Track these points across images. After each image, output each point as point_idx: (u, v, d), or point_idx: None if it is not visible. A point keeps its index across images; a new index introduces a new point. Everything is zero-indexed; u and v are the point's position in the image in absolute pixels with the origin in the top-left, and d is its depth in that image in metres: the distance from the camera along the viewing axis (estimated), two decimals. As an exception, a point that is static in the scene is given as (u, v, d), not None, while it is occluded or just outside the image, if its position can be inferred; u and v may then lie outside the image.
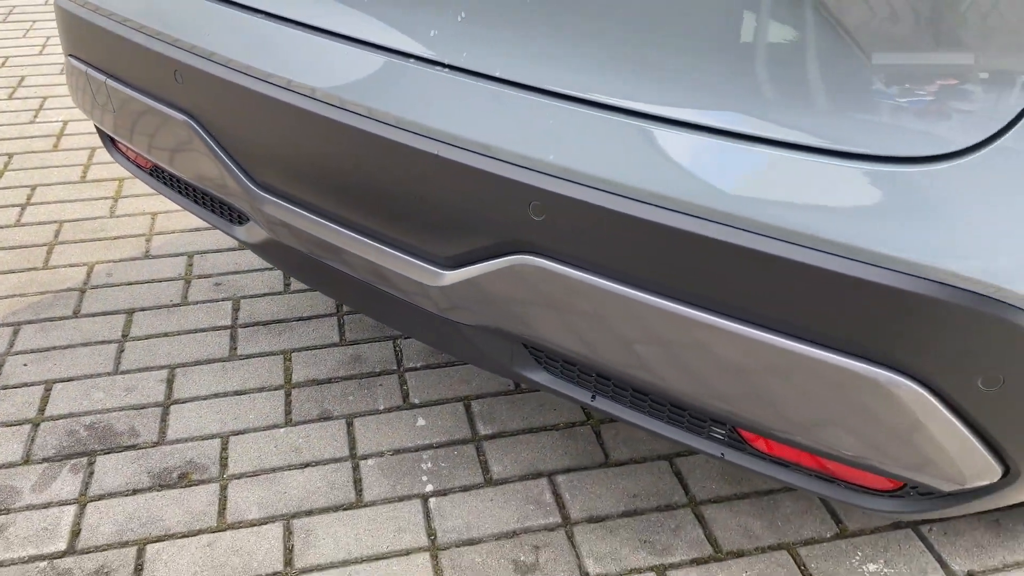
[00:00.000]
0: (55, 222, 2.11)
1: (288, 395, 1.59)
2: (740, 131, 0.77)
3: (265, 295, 1.86)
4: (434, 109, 0.91)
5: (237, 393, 1.60)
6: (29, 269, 1.93)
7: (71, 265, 1.95)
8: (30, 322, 1.77)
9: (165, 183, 1.44)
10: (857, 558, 1.31)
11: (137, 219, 2.12)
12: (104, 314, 1.80)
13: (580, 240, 0.84)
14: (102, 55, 1.27)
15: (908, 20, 0.69)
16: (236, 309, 1.82)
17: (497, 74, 0.88)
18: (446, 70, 0.91)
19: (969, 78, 0.69)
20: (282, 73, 1.02)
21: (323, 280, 1.23)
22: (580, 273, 0.85)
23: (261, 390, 1.60)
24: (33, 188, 2.25)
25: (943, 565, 1.30)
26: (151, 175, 1.46)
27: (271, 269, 1.94)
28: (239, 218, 1.30)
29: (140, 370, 1.65)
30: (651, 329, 0.84)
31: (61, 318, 1.78)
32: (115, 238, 2.05)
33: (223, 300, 1.84)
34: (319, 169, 1.03)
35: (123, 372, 1.64)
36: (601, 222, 0.82)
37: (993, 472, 0.79)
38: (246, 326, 1.77)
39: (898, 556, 1.31)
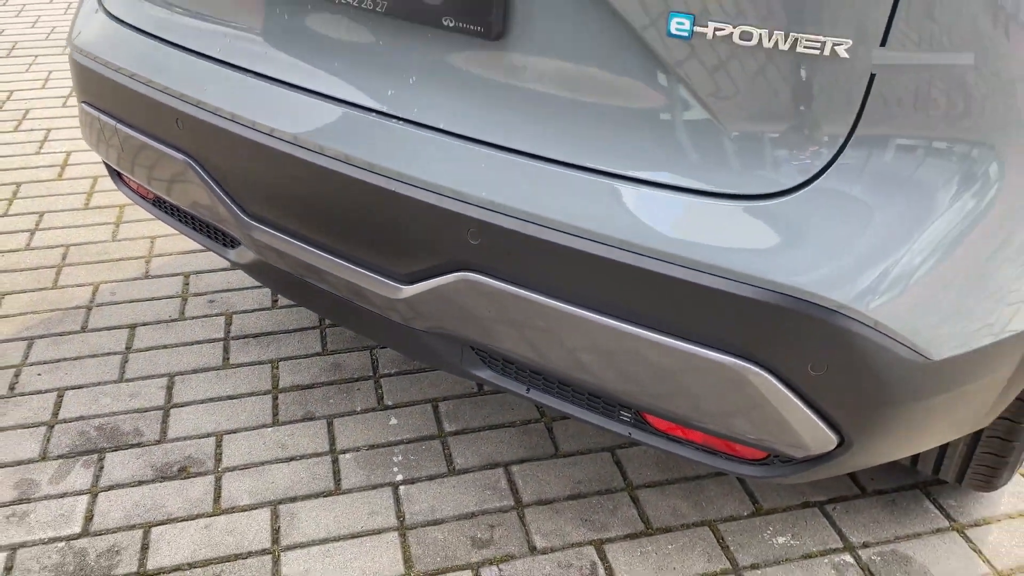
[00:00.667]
0: (62, 246, 2.30)
1: (275, 399, 1.79)
2: (633, 175, 0.98)
3: (254, 311, 2.06)
4: (389, 152, 1.12)
5: (230, 397, 1.79)
6: (40, 289, 2.13)
7: (78, 285, 2.14)
8: (42, 336, 1.96)
9: (166, 211, 1.64)
10: (769, 532, 1.51)
11: (137, 243, 2.32)
12: (109, 329, 1.99)
13: (509, 260, 1.05)
14: (113, 103, 1.47)
15: (752, 102, 0.90)
16: (228, 323, 2.01)
17: (440, 126, 1.09)
18: (399, 122, 1.12)
19: (788, 141, 0.90)
20: (265, 122, 1.22)
21: (305, 296, 1.44)
22: (509, 286, 1.06)
23: (251, 394, 1.80)
24: (41, 215, 2.45)
25: (843, 537, 1.50)
26: (153, 204, 1.66)
27: (260, 287, 2.14)
28: (231, 242, 1.50)
29: (142, 378, 1.84)
30: (566, 332, 1.05)
31: (70, 333, 1.97)
32: (118, 260, 2.25)
33: (216, 315, 2.04)
34: (299, 201, 1.23)
35: (127, 380, 1.84)
36: (524, 245, 1.02)
37: (831, 442, 1.00)
38: (237, 338, 1.97)
39: (804, 530, 1.52)
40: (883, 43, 0.83)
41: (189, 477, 1.60)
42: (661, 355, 0.99)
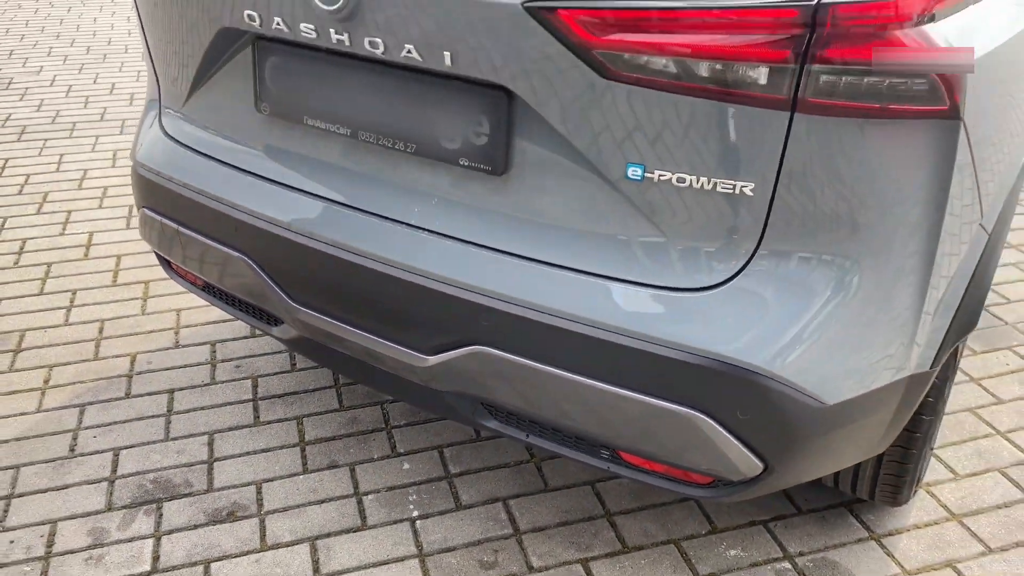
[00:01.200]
0: (98, 320, 2.59)
1: (303, 450, 2.09)
2: (605, 274, 1.33)
3: (277, 373, 2.36)
4: (418, 255, 1.45)
5: (264, 451, 2.09)
6: (84, 360, 2.41)
7: (117, 356, 2.43)
8: (92, 403, 2.24)
9: (214, 295, 1.95)
10: (723, 546, 1.84)
11: (165, 315, 2.62)
12: (151, 394, 2.28)
13: (512, 336, 1.38)
14: (175, 210, 1.79)
15: (688, 225, 1.25)
16: (255, 386, 2.32)
17: (458, 236, 1.43)
18: (425, 232, 1.46)
19: (714, 252, 1.25)
20: (314, 229, 1.55)
21: (339, 363, 1.75)
22: (512, 356, 1.39)
23: (282, 447, 2.10)
24: (74, 292, 2.73)
25: (783, 548, 1.84)
26: (202, 289, 1.98)
27: (280, 352, 2.45)
28: (275, 321, 1.81)
29: (186, 436, 2.13)
30: (558, 390, 1.38)
31: (117, 399, 2.26)
32: (149, 332, 2.54)
33: (244, 379, 2.34)
34: (342, 292, 1.56)
35: (173, 439, 2.13)
36: (524, 325, 1.36)
37: (757, 468, 1.34)
38: (265, 399, 2.27)
39: (752, 544, 1.85)
40: (775, 186, 1.19)
41: (237, 520, 1.89)
42: (631, 406, 1.33)
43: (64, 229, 3.12)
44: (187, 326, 2.57)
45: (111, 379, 2.34)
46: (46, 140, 3.90)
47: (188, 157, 1.77)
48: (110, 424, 2.17)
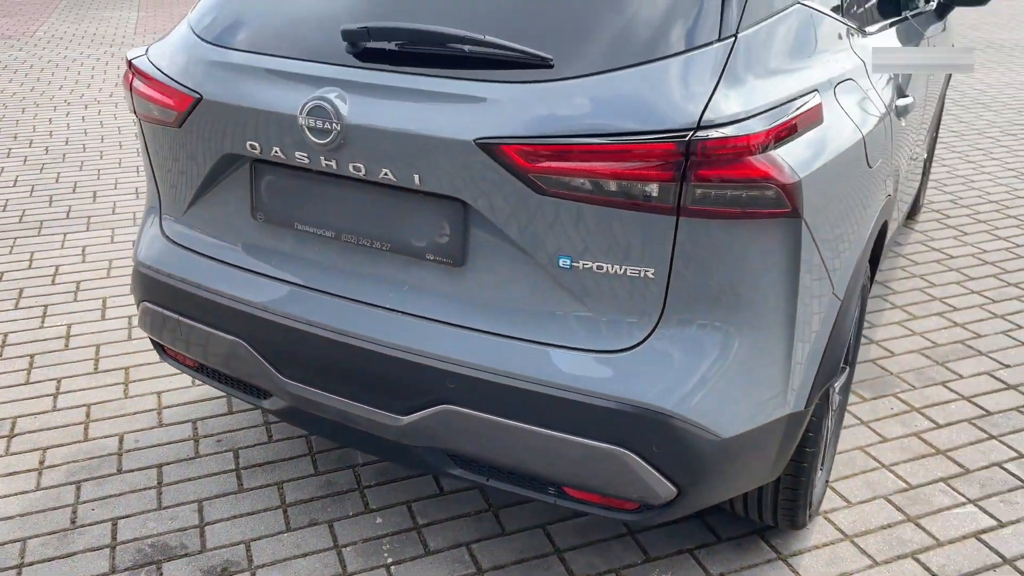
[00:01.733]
0: (84, 405, 2.82)
1: (285, 511, 2.35)
2: (548, 342, 1.67)
3: (256, 445, 2.62)
4: (392, 332, 1.77)
5: (250, 514, 2.34)
6: (75, 442, 2.63)
7: (106, 436, 2.66)
8: (87, 480, 2.47)
9: (206, 375, 2.23)
10: (656, 573, 2.16)
11: (148, 398, 2.86)
12: (141, 469, 2.52)
13: (473, 395, 1.71)
14: (175, 303, 2.08)
15: (608, 302, 1.61)
16: (237, 457, 2.57)
17: (426, 315, 1.76)
18: (399, 313, 1.79)
19: (629, 322, 1.62)
20: (301, 314, 1.87)
21: (323, 428, 2.05)
22: (474, 411, 1.71)
23: (266, 510, 2.35)
24: (59, 380, 2.96)
25: (706, 572, 2.16)
26: (195, 370, 2.25)
27: (257, 425, 2.71)
28: (264, 394, 2.10)
29: (177, 505, 2.37)
30: (514, 438, 1.70)
31: (110, 475, 2.49)
32: (134, 413, 2.78)
33: (226, 451, 2.60)
34: (326, 365, 1.87)
35: (165, 507, 2.36)
36: (483, 386, 1.69)
37: (673, 492, 1.67)
38: (247, 468, 2.52)
39: (680, 569, 2.17)
40: (670, 271, 1.57)
41: (231, 575, 2.14)
42: (571, 447, 1.66)
43: (43, 322, 3.35)
44: (169, 406, 2.81)
45: (102, 457, 2.56)
46: (15, 239, 4.12)
47: (188, 257, 2.08)
48: (106, 497, 2.40)
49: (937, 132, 4.58)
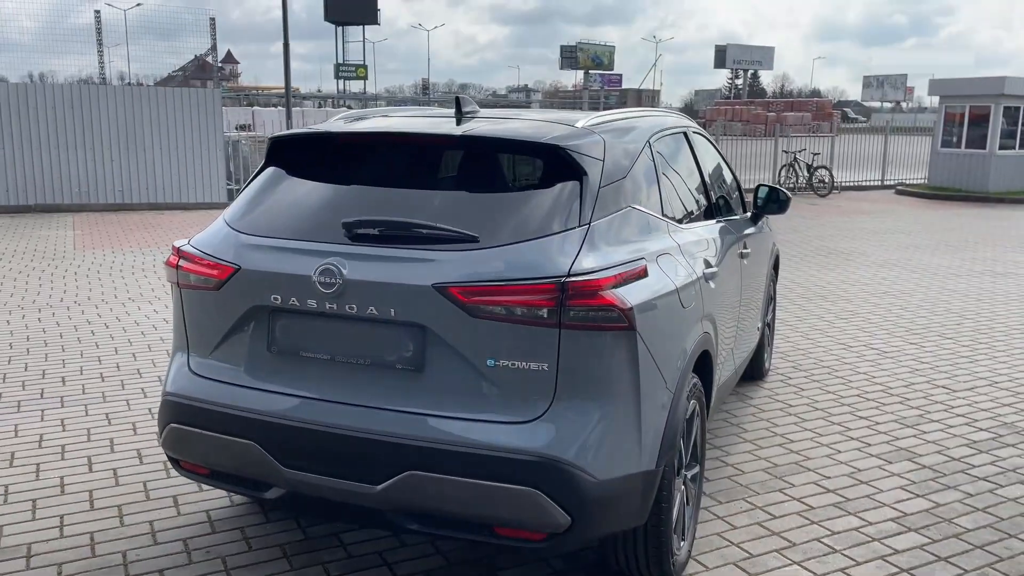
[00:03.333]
0: (87, 533, 3.36)
1: (270, 595, 2.95)
2: (480, 418, 2.48)
3: (239, 553, 3.22)
4: (371, 422, 2.55)
5: (242, 597, 2.93)
6: (84, 558, 3.17)
7: (111, 553, 3.21)
8: (100, 582, 3.01)
9: (219, 479, 2.90)
10: (564, 616, 2.84)
11: (142, 525, 3.43)
12: (146, 573, 3.07)
13: (431, 461, 2.47)
14: (199, 421, 2.80)
15: (520, 393, 2.47)
16: (225, 563, 3.16)
17: (395, 408, 2.55)
18: (374, 408, 2.57)
19: (534, 405, 2.46)
20: (300, 416, 2.62)
21: (314, 508, 2.73)
22: (432, 473, 2.47)
23: (255, 594, 2.95)
24: (60, 516, 3.50)
25: (601, 614, 2.86)
26: (208, 476, 2.92)
27: (238, 540, 3.31)
28: (266, 487, 2.78)
29: (180, 595, 2.94)
30: (458, 490, 2.46)
31: (119, 578, 3.04)
32: (131, 536, 3.34)
33: (214, 559, 3.18)
34: (319, 453, 2.61)
35: (171, 597, 2.92)
36: (437, 453, 2.47)
37: (568, 521, 2.44)
38: (234, 568, 3.11)
39: (582, 613, 2.86)
40: (557, 367, 2.44)
41: (233, 636, 2.71)
42: (500, 492, 2.42)
43: (37, 476, 3.89)
44: (161, 530, 3.39)
45: (111, 568, 3.11)
46: (-3, 415, 4.66)
47: (211, 385, 2.83)
48: (120, 593, 2.94)
49: (773, 314, 5.77)
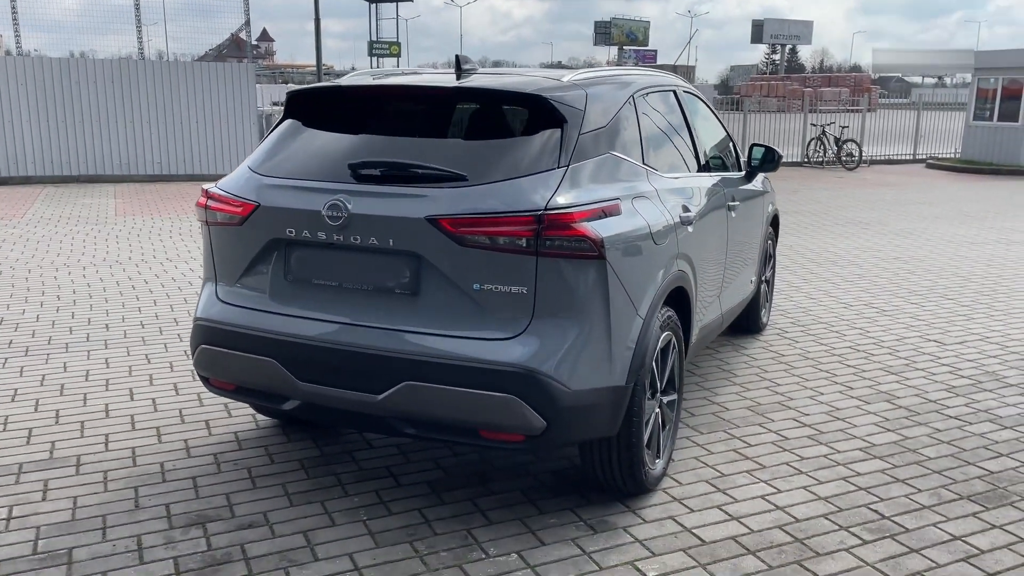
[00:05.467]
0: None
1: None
2: (466, 335, 2.83)
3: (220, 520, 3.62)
4: (373, 339, 2.91)
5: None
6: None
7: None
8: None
9: (242, 394, 3.29)
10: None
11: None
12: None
13: (425, 372, 2.82)
14: (225, 341, 3.18)
15: (503, 309, 2.80)
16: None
17: (394, 327, 2.91)
18: (376, 328, 2.93)
19: (512, 321, 2.80)
20: (313, 334, 2.99)
21: (325, 415, 3.11)
22: (426, 383, 2.83)
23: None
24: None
25: (583, 551, 3.21)
26: (234, 391, 3.31)
27: (264, 456, 3.71)
28: (284, 399, 3.16)
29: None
30: (450, 397, 2.80)
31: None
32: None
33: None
34: (329, 367, 2.97)
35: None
36: (430, 366, 2.82)
37: (543, 424, 2.78)
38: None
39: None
40: (535, 289, 2.78)
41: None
42: (484, 398, 2.77)
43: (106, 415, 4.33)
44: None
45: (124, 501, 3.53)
46: (48, 355, 5.12)
47: (236, 310, 3.21)
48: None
49: (772, 272, 6.03)
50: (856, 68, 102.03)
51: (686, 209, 3.63)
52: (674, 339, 3.46)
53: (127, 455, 3.72)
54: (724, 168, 4.72)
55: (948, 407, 4.45)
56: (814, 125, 19.79)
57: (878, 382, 4.85)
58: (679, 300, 3.53)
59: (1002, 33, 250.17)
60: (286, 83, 47.83)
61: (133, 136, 15.00)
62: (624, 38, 75.83)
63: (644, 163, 3.46)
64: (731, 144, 5.01)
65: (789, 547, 3.02)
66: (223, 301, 3.28)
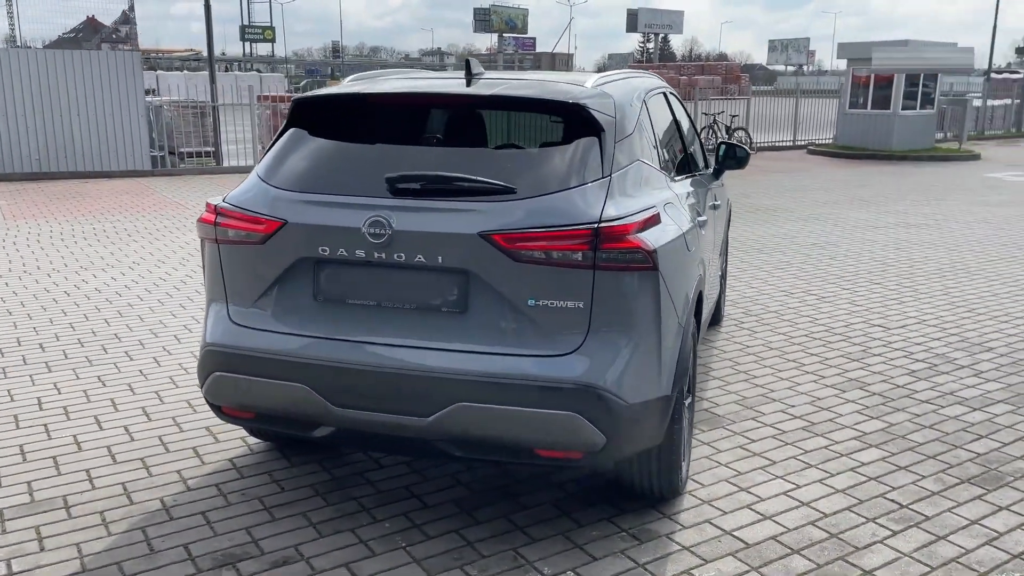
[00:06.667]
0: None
1: None
2: (525, 353, 2.75)
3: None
4: (420, 360, 2.78)
5: None
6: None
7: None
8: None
9: (264, 422, 3.08)
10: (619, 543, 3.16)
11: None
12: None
13: (477, 392, 2.72)
14: (246, 367, 2.96)
15: (560, 327, 2.74)
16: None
17: (441, 346, 2.79)
18: (422, 349, 2.81)
19: (568, 338, 2.74)
20: (350, 357, 2.83)
21: (362, 442, 2.95)
22: (479, 403, 2.73)
23: None
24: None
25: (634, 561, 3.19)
26: (253, 420, 3.10)
27: (271, 483, 3.50)
28: (312, 427, 2.98)
29: None
30: (505, 416, 2.72)
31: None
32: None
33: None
34: (371, 392, 2.82)
35: (220, 535, 3.11)
36: (483, 385, 2.72)
37: (603, 440, 2.74)
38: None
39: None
40: (591, 304, 2.73)
41: None
42: (542, 417, 2.70)
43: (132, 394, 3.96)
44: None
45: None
46: (-16, 382, 4.66)
47: (255, 333, 3.00)
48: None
49: (726, 264, 6.19)
50: (723, 56, 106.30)
51: (698, 212, 3.66)
52: (692, 342, 3.49)
53: (118, 492, 3.43)
54: (705, 167, 4.80)
55: (916, 391, 4.70)
56: (705, 114, 20.46)
57: (844, 369, 5.07)
58: (696, 303, 3.57)
59: (854, 23, 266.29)
60: (153, 70, 45.30)
61: (7, 129, 13.84)
62: (504, 25, 75.98)
63: (660, 168, 3.46)
64: (700, 142, 5.10)
65: (828, 543, 3.10)
66: (238, 324, 3.06)
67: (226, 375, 3.03)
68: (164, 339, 5.48)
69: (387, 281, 2.86)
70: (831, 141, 22.00)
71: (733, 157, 5.13)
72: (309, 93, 3.26)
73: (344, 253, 2.84)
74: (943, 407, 4.47)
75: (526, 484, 3.50)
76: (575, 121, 3.00)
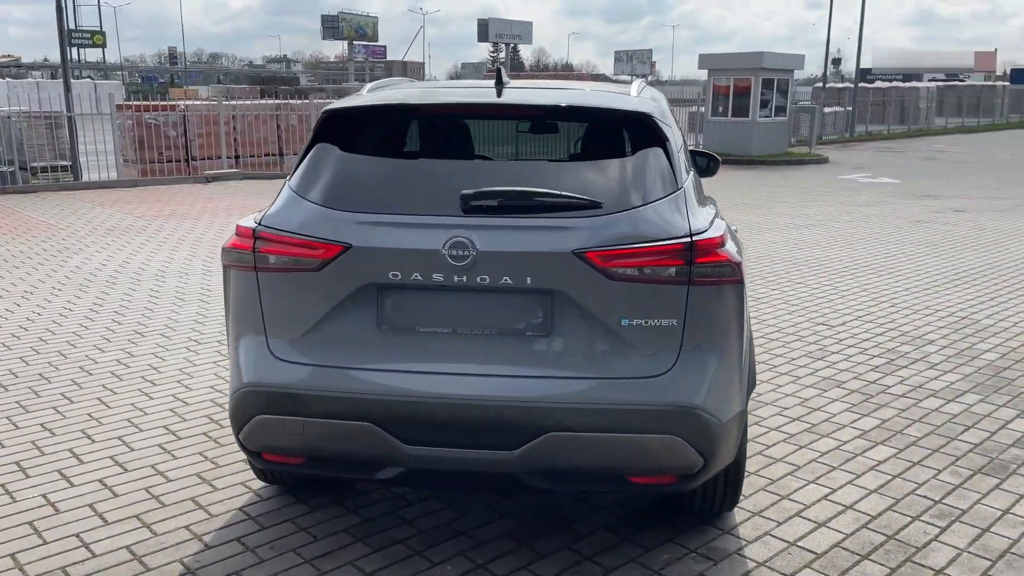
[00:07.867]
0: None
1: (369, 579, 2.89)
2: (611, 376, 2.61)
3: None
4: (504, 389, 2.58)
5: (342, 585, 2.84)
6: (138, 573, 2.90)
7: (163, 564, 2.96)
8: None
9: (312, 466, 2.77)
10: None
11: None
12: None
13: (569, 420, 2.56)
14: (296, 407, 2.66)
15: (653, 346, 2.61)
16: None
17: (526, 374, 2.61)
18: (506, 377, 2.61)
19: (659, 359, 2.63)
20: (425, 391, 2.60)
21: (436, 482, 2.71)
22: (571, 432, 2.57)
23: (354, 580, 2.87)
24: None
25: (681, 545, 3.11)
26: (299, 466, 2.78)
27: (299, 531, 3.17)
28: (377, 468, 2.71)
29: (275, 593, 2.79)
30: (598, 444, 2.58)
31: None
32: (174, 545, 3.09)
33: None
34: (449, 427, 2.60)
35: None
36: (575, 412, 2.56)
37: (701, 461, 2.65)
38: None
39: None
40: (684, 321, 2.63)
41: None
42: (638, 441, 2.58)
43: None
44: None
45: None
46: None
47: (306, 370, 2.70)
48: None
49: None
50: (569, 67, 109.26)
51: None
52: None
53: (126, 558, 3.00)
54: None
55: (889, 386, 4.91)
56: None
57: (813, 368, 5.22)
58: None
59: (686, 36, 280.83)
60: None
61: None
62: (353, 33, 74.85)
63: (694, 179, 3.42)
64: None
65: (890, 546, 3.15)
66: (282, 360, 2.74)
67: (272, 418, 2.71)
68: (100, 376, 4.91)
69: (464, 306, 2.65)
70: (697, 147, 22.98)
71: (705, 166, 5.18)
72: (340, 104, 2.97)
73: (418, 278, 2.60)
74: (920, 400, 4.68)
75: (570, 509, 3.35)
76: (641, 132, 2.89)
